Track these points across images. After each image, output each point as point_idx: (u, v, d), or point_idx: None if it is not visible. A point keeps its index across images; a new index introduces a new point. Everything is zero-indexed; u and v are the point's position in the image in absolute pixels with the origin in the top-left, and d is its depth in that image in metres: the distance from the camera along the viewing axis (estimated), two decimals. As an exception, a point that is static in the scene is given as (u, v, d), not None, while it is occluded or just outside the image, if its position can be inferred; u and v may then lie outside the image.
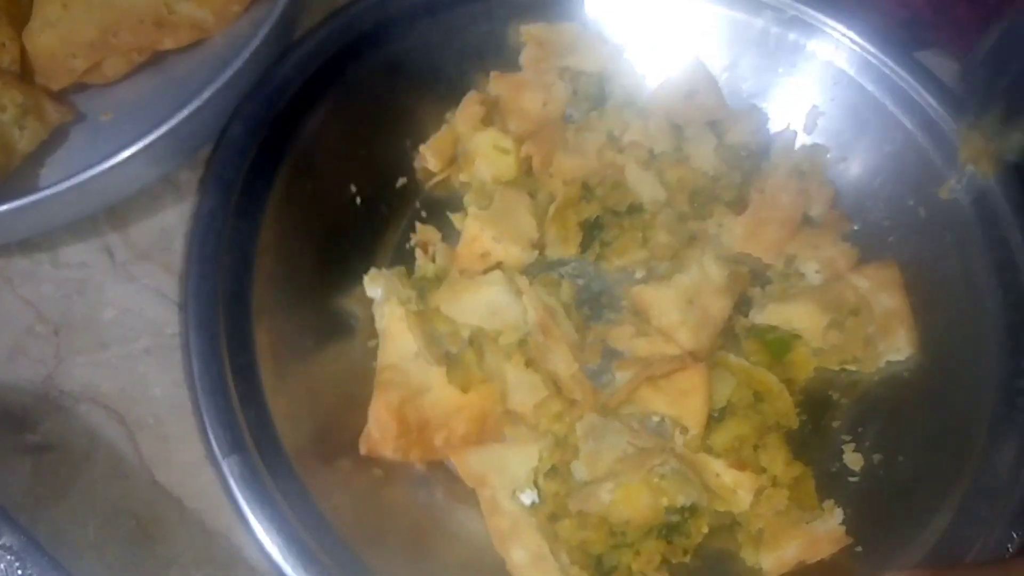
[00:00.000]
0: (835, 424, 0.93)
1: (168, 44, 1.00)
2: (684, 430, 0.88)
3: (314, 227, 0.94)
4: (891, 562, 0.81)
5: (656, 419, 0.91)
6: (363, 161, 0.99)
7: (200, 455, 0.85)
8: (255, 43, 0.91)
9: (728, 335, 0.96)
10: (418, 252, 0.98)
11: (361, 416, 0.86)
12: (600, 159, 1.01)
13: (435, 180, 1.03)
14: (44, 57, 0.98)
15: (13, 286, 0.96)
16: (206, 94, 0.89)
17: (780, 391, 0.90)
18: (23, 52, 0.98)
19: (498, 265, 0.95)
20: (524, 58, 1.06)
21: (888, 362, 0.95)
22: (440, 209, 1.01)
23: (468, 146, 1.01)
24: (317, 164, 0.95)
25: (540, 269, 0.98)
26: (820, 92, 1.04)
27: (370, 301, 0.94)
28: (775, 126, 1.06)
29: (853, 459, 0.90)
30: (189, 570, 0.84)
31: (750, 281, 0.99)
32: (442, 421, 0.87)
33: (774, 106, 1.06)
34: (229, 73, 0.90)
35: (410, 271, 0.96)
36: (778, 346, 0.94)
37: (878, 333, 0.94)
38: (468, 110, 1.02)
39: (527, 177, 1.01)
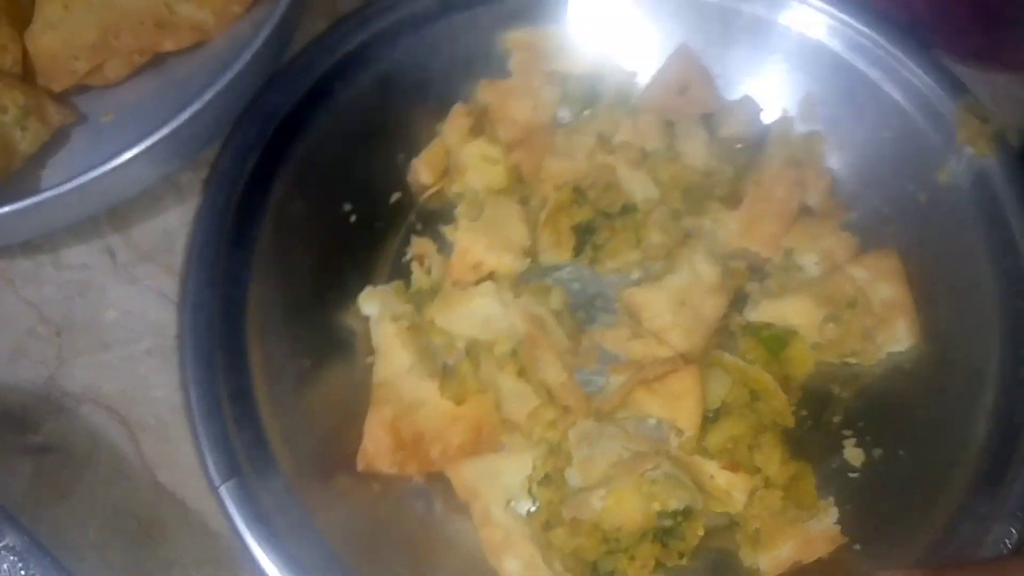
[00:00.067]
0: (836, 419, 0.93)
1: (169, 46, 1.01)
2: (679, 432, 0.88)
3: (310, 248, 0.95)
4: (890, 559, 0.81)
5: (652, 422, 0.91)
6: (357, 178, 1.00)
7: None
8: (256, 45, 0.92)
9: (724, 333, 0.95)
10: (414, 265, 0.99)
11: (358, 433, 0.87)
12: (591, 161, 1.00)
13: (429, 193, 1.04)
14: (46, 59, 0.99)
15: (15, 287, 0.98)
16: (207, 96, 0.89)
17: (775, 389, 0.89)
18: (25, 54, 0.99)
19: (491, 275, 0.95)
20: (512, 64, 1.06)
21: (889, 354, 0.94)
22: (435, 221, 1.02)
23: (458, 158, 1.01)
24: (310, 186, 0.96)
25: (534, 276, 0.98)
26: (815, 78, 1.03)
27: (368, 318, 0.95)
28: (770, 115, 1.04)
29: (854, 454, 0.90)
30: (191, 571, 0.86)
31: (748, 276, 0.98)
32: (437, 434, 0.88)
33: (769, 95, 1.04)
34: (230, 75, 0.90)
35: (407, 285, 0.97)
36: (775, 343, 0.94)
37: (877, 324, 0.93)
38: (455, 122, 1.02)
39: (519, 184, 1.02)
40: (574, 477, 0.86)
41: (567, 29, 1.06)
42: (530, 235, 0.97)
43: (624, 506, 0.82)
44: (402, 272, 0.98)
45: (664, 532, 0.83)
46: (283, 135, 0.94)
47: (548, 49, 1.05)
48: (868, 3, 1.02)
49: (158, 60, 1.01)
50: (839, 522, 0.85)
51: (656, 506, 0.82)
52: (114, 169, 0.87)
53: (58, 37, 0.98)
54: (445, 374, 0.90)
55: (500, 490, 0.86)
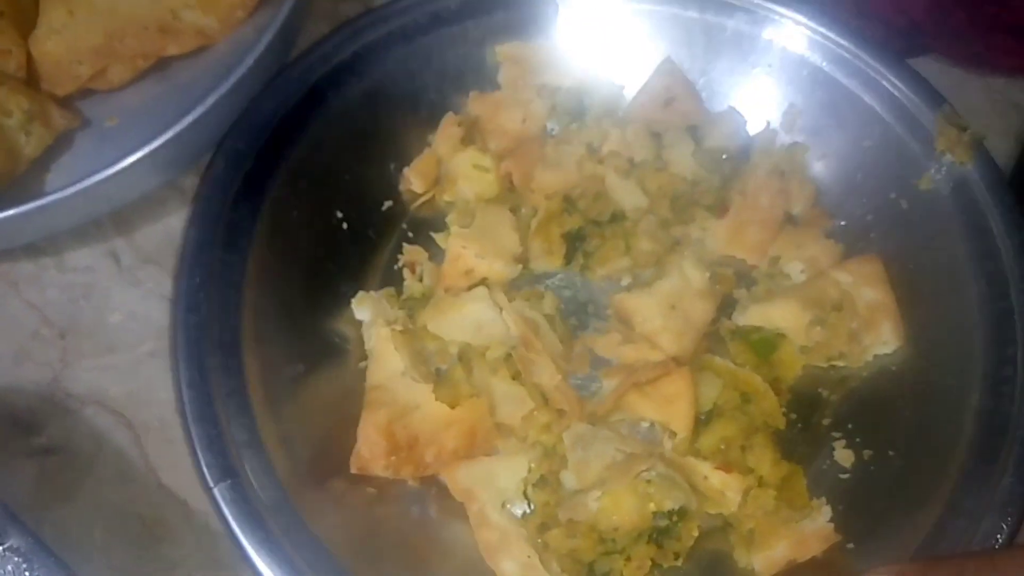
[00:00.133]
0: (825, 422, 0.94)
1: (173, 50, 1.02)
2: (672, 434, 0.89)
3: (302, 254, 0.96)
4: (882, 557, 0.81)
5: (646, 425, 0.91)
6: (348, 187, 1.00)
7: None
8: (259, 49, 0.93)
9: (714, 338, 0.97)
10: (406, 272, 0.99)
11: (354, 436, 0.87)
12: (580, 171, 1.02)
13: (420, 201, 1.05)
14: (50, 63, 1.00)
15: (19, 290, 0.98)
16: (211, 100, 0.90)
17: (765, 391, 0.91)
18: (29, 58, 1.00)
19: (483, 281, 0.96)
20: (502, 77, 1.07)
21: (875, 356, 0.95)
22: (426, 229, 1.02)
23: (449, 167, 1.03)
24: (303, 193, 0.96)
25: (526, 283, 0.99)
26: (797, 90, 1.05)
27: (361, 323, 0.95)
28: (754, 127, 1.06)
29: (844, 456, 0.91)
30: (194, 572, 0.86)
31: (735, 283, 0.99)
32: (431, 437, 0.88)
33: (752, 107, 1.06)
34: (233, 79, 0.91)
35: (399, 292, 0.98)
36: (763, 346, 0.95)
37: (863, 327, 0.95)
38: (446, 132, 1.03)
39: (509, 193, 1.03)
40: (569, 479, 0.86)
41: (556, 43, 1.07)
42: (521, 242, 0.98)
43: (619, 507, 0.82)
44: (394, 279, 0.99)
45: (659, 533, 0.83)
46: (276, 143, 0.94)
47: (537, 62, 1.07)
48: (858, 10, 1.06)
49: (162, 64, 1.03)
50: (832, 521, 0.86)
51: (651, 507, 0.82)
52: (118, 173, 0.87)
53: (62, 42, 0.99)
54: (439, 379, 0.90)
55: (495, 492, 0.86)
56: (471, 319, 0.91)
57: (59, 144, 0.98)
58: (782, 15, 1.04)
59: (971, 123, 0.96)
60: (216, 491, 0.78)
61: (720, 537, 0.88)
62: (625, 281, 1.00)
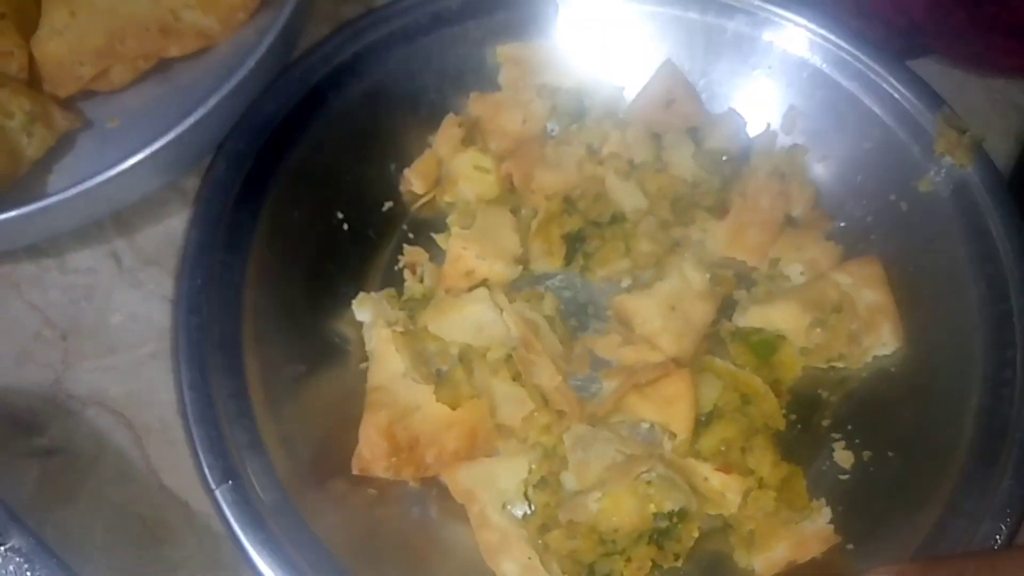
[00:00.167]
0: (825, 423, 0.94)
1: (174, 52, 1.02)
2: (672, 436, 0.89)
3: (302, 255, 0.96)
4: (882, 558, 0.82)
5: (646, 426, 0.91)
6: (349, 188, 1.01)
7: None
8: (260, 51, 0.93)
9: (715, 339, 0.97)
10: (407, 273, 0.99)
11: (355, 438, 0.87)
12: (580, 172, 1.02)
13: (421, 202, 1.05)
14: (52, 64, 1.00)
15: (21, 291, 0.98)
16: (212, 102, 0.90)
17: (765, 393, 0.91)
18: (31, 60, 1.00)
19: (483, 282, 0.96)
20: (502, 78, 1.07)
21: (875, 357, 0.95)
22: (427, 230, 1.02)
23: (449, 168, 1.03)
24: (303, 194, 0.96)
25: (526, 284, 0.99)
26: (797, 92, 1.05)
27: (362, 324, 0.95)
28: (754, 128, 1.06)
29: (843, 457, 0.91)
30: (195, 573, 0.86)
31: (735, 284, 0.99)
32: (432, 438, 0.88)
33: (752, 108, 1.06)
34: (235, 81, 0.91)
35: (400, 293, 0.98)
36: (763, 348, 0.95)
37: (863, 328, 0.95)
38: (447, 132, 1.04)
39: (509, 194, 1.03)
40: (569, 480, 0.87)
41: (556, 44, 1.07)
42: (521, 243, 0.98)
43: (620, 508, 0.82)
44: (394, 280, 0.99)
45: (660, 534, 0.83)
46: (277, 144, 0.94)
47: (538, 63, 1.07)
48: (859, 11, 1.06)
49: (163, 66, 1.03)
50: (832, 522, 0.86)
51: (651, 508, 0.82)
52: (119, 174, 0.88)
53: (64, 43, 0.99)
54: (439, 380, 0.90)
55: (496, 494, 0.86)
56: (472, 320, 0.91)
57: (61, 145, 0.99)
58: (782, 17, 1.04)
59: (971, 124, 0.96)
60: (218, 493, 0.78)
61: (720, 538, 0.88)
62: (625, 282, 1.00)
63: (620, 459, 0.86)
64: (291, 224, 0.94)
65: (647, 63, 1.07)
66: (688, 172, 1.01)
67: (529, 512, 0.87)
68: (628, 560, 0.83)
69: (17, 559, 0.72)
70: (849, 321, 0.94)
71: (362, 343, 0.94)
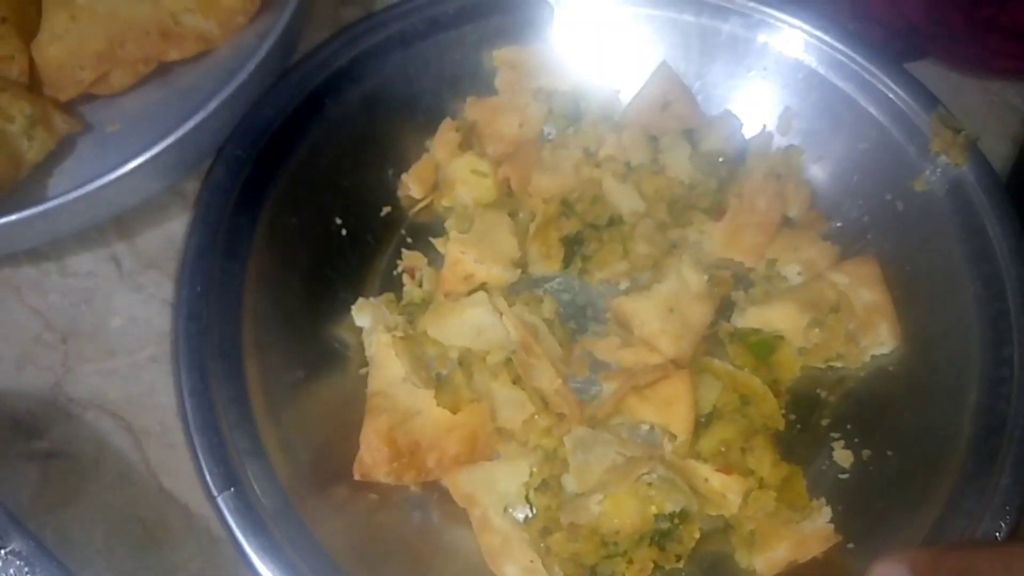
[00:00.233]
0: (824, 422, 0.94)
1: (174, 55, 1.02)
2: (672, 437, 0.89)
3: (301, 261, 0.96)
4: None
5: (646, 427, 0.91)
6: (347, 193, 1.01)
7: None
8: (260, 54, 0.93)
9: (713, 340, 0.97)
10: (405, 278, 1.00)
11: (356, 443, 0.87)
12: (577, 175, 1.02)
13: (419, 207, 1.05)
14: (52, 69, 1.00)
15: (21, 295, 0.98)
16: (212, 105, 0.90)
17: (765, 393, 0.91)
18: (31, 64, 1.00)
19: (482, 286, 0.96)
20: (499, 82, 1.08)
21: (873, 357, 0.96)
22: (425, 235, 1.03)
23: (447, 172, 1.03)
24: (302, 199, 0.97)
25: (525, 287, 1.00)
26: (792, 93, 1.05)
27: (361, 329, 0.95)
28: (750, 130, 1.07)
29: (843, 456, 0.91)
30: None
31: (733, 285, 1.00)
32: (433, 443, 0.88)
33: (748, 110, 1.07)
34: (234, 84, 0.91)
35: (399, 297, 0.98)
36: (762, 348, 0.96)
37: (860, 328, 0.95)
38: (444, 137, 1.04)
39: (507, 198, 1.03)
40: (570, 483, 0.87)
41: (552, 47, 1.08)
42: (520, 247, 0.98)
43: (621, 510, 0.83)
44: (393, 285, 0.99)
45: (661, 535, 0.83)
46: (275, 149, 0.95)
47: (534, 67, 1.07)
48: (856, 13, 1.06)
49: (163, 70, 1.03)
50: (832, 522, 0.86)
51: (652, 509, 0.83)
52: (119, 178, 0.87)
53: (64, 47, 0.98)
54: (439, 384, 0.90)
55: (497, 497, 0.87)
56: (471, 324, 0.91)
57: (61, 149, 0.99)
58: (777, 19, 1.04)
59: (967, 125, 0.96)
60: (220, 500, 0.78)
61: (721, 539, 0.88)
62: (623, 285, 1.01)
63: (621, 461, 0.86)
64: (290, 230, 0.95)
65: (643, 66, 1.07)
66: (685, 174, 1.02)
67: (531, 515, 0.87)
68: (630, 562, 0.83)
69: (17, 562, 0.72)
70: (847, 321, 0.95)
71: (362, 348, 0.94)
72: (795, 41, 1.04)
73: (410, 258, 1.00)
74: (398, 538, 0.86)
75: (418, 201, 1.04)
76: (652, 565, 0.83)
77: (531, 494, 0.87)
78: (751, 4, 1.04)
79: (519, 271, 0.98)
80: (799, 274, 1.00)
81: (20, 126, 0.94)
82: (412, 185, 1.04)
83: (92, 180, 0.87)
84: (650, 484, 0.83)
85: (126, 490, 0.89)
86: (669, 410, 0.89)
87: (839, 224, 1.03)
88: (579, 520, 0.83)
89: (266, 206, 0.93)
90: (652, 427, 0.91)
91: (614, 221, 1.01)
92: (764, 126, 1.06)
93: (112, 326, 0.97)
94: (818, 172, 1.05)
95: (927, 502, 0.84)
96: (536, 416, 0.89)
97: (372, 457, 0.86)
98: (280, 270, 0.93)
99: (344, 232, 0.99)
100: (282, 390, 0.88)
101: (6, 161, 0.94)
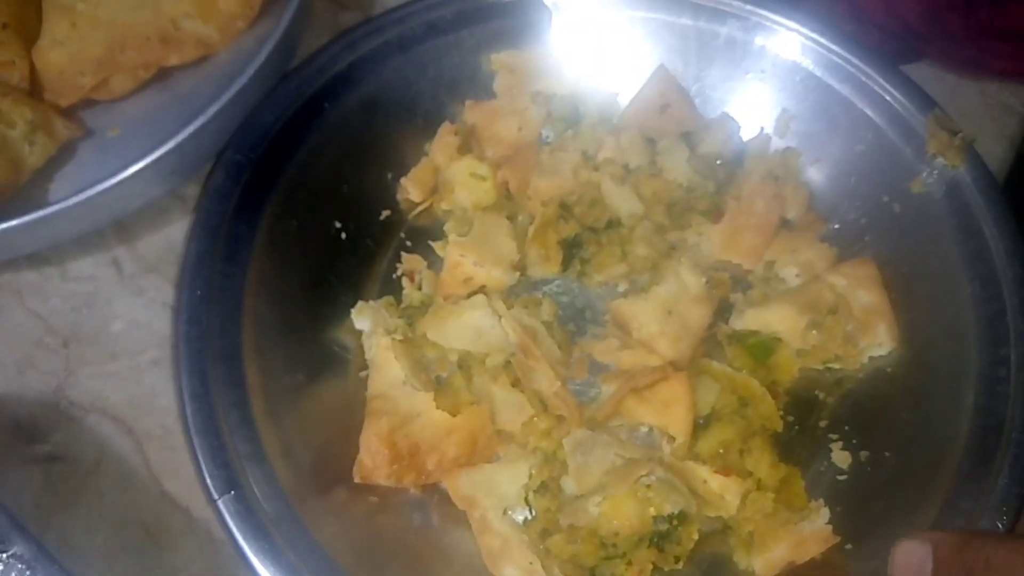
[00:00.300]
0: (822, 424, 0.94)
1: (174, 60, 1.02)
2: (671, 439, 0.89)
3: (301, 264, 0.96)
4: (881, 558, 0.80)
5: (645, 429, 0.92)
6: (346, 197, 1.01)
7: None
8: (260, 59, 0.93)
9: (711, 342, 0.98)
10: (405, 281, 1.00)
11: (356, 445, 0.88)
12: (576, 178, 1.02)
13: (418, 210, 1.05)
14: (53, 74, 1.00)
15: (22, 299, 0.99)
16: (212, 110, 0.91)
17: (763, 395, 0.91)
18: (32, 69, 1.00)
19: (481, 289, 0.96)
20: (497, 85, 1.08)
21: (871, 358, 0.96)
22: (425, 238, 1.03)
23: (446, 175, 1.03)
24: (301, 203, 0.97)
25: (524, 289, 1.00)
26: (790, 95, 1.06)
27: (361, 332, 0.95)
28: (748, 132, 1.07)
29: (841, 457, 0.91)
30: (196, 578, 0.86)
31: (731, 287, 1.00)
32: (433, 445, 0.89)
33: (746, 112, 1.07)
34: (234, 89, 0.92)
35: (398, 301, 0.98)
36: (760, 350, 0.96)
37: (858, 329, 0.95)
38: (443, 141, 1.04)
39: (506, 201, 1.03)
40: (570, 485, 0.87)
41: (550, 51, 1.08)
42: (519, 250, 0.98)
43: (620, 512, 0.83)
44: (393, 288, 1.00)
45: (660, 537, 0.84)
46: (274, 154, 0.95)
47: (532, 70, 1.07)
48: (852, 15, 1.06)
49: (163, 75, 1.03)
50: (830, 523, 0.86)
51: (651, 511, 0.83)
52: (120, 182, 0.88)
53: (65, 53, 0.99)
54: (439, 386, 0.90)
55: (497, 499, 0.87)
56: (470, 327, 0.92)
57: (62, 154, 0.99)
58: (774, 22, 1.05)
59: (964, 127, 0.96)
60: (220, 503, 0.78)
61: (720, 540, 0.88)
62: (622, 287, 1.01)
63: (620, 463, 0.86)
64: (290, 234, 0.95)
65: (641, 69, 1.07)
66: (683, 176, 1.02)
67: (530, 517, 0.87)
68: (629, 563, 0.83)
69: (19, 566, 0.72)
70: (844, 322, 0.95)
71: (362, 351, 0.94)
72: (792, 44, 1.04)
73: (409, 261, 1.00)
74: (398, 540, 0.87)
75: (417, 204, 1.05)
76: (651, 566, 0.84)
77: (530, 496, 0.87)
78: (748, 7, 1.05)
79: (518, 274, 0.98)
80: (797, 276, 1.00)
81: (21, 131, 0.95)
82: (411, 189, 1.04)
83: (93, 185, 0.88)
84: (649, 486, 0.83)
85: (127, 493, 0.89)
86: (668, 412, 0.89)
87: (837, 226, 1.03)
88: (578, 522, 0.83)
89: (266, 210, 0.93)
90: (651, 429, 0.91)
91: (613, 224, 1.01)
92: (762, 128, 1.07)
93: (113, 330, 0.97)
94: (816, 174, 1.05)
95: (925, 502, 0.84)
96: (535, 418, 0.90)
97: (372, 460, 0.86)
98: (280, 274, 0.93)
99: (344, 236, 0.99)
100: (282, 393, 0.88)
101: (7, 166, 0.94)
